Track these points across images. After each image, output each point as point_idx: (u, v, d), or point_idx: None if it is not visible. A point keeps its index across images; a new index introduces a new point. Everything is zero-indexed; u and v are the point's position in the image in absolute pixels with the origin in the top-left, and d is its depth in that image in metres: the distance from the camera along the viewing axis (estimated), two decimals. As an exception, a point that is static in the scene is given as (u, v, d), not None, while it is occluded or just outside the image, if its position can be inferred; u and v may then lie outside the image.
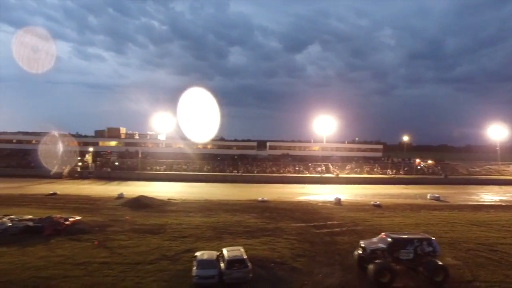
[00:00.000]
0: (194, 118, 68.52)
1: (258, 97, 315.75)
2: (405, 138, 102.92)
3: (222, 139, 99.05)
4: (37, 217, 28.89)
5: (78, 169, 64.04)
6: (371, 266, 18.35)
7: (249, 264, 18.33)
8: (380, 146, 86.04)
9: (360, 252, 20.20)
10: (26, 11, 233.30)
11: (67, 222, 27.77)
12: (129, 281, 17.89)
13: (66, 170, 62.71)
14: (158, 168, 66.44)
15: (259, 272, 18.95)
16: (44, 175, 61.40)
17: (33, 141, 75.84)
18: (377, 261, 18.68)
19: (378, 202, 43.02)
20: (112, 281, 17.90)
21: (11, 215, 29.56)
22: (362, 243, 20.49)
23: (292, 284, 18.12)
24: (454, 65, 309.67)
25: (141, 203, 38.32)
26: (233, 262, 18.24)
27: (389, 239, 19.69)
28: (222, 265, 18.43)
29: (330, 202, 43.83)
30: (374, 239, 21.01)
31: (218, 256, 19.55)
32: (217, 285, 17.49)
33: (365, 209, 39.98)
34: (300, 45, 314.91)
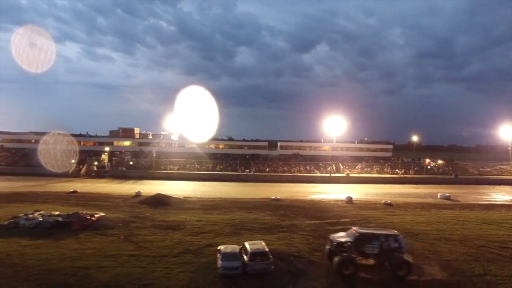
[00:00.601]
0: (200, 117, 69.48)
1: (266, 97, 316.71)
2: (415, 138, 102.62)
3: (230, 139, 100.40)
4: (64, 213, 30.57)
5: (95, 168, 65.94)
6: (335, 258, 19.52)
7: (270, 256, 19.57)
8: (390, 146, 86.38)
9: (328, 246, 21.31)
10: (37, 13, 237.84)
11: (93, 218, 29.29)
12: (158, 272, 19.21)
13: (83, 169, 64.70)
14: (171, 167, 68.09)
15: (279, 264, 20.13)
16: (62, 174, 63.54)
17: (51, 141, 78.15)
18: (342, 254, 19.80)
19: (389, 201, 43.79)
20: (142, 271, 19.24)
21: (41, 211, 31.24)
22: (331, 237, 21.60)
23: (311, 275, 19.23)
24: (465, 64, 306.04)
25: (159, 201, 39.77)
26: (256, 255, 19.52)
27: (356, 234, 20.79)
28: (245, 257, 19.67)
29: (341, 200, 44.79)
30: (343, 233, 22.09)
31: (240, 249, 20.82)
32: (240, 276, 18.71)
33: (376, 208, 40.85)
34: (307, 45, 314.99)
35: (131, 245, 23.97)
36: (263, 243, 21.21)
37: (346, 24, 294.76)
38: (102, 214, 31.44)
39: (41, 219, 28.71)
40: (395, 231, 22.34)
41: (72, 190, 48.04)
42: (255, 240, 23.11)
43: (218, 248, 21.23)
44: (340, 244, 20.56)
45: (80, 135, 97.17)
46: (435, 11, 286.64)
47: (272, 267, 19.24)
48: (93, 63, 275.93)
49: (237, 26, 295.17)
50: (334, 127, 79.56)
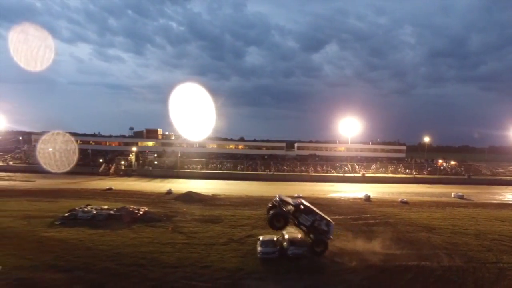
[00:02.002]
0: (211, 117, 71.42)
1: (275, 97, 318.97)
2: (426, 139, 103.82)
3: (241, 139, 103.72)
4: (112, 208, 34.13)
5: (123, 167, 69.86)
6: (271, 211, 23.31)
7: (306, 243, 22.83)
8: (404, 147, 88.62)
9: (272, 203, 25.01)
10: (51, 15, 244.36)
11: (140, 212, 32.83)
12: (213, 256, 22.48)
13: (112, 168, 68.71)
14: (194, 166, 71.63)
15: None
16: (92, 172, 67.67)
17: (78, 142, 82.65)
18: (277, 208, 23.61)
19: (405, 199, 46.33)
20: (199, 256, 22.51)
21: (91, 205, 34.85)
22: (278, 196, 25.30)
23: (346, 258, 22.35)
24: (478, 63, 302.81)
25: (191, 198, 43.14)
26: (294, 242, 22.95)
27: (299, 203, 24.04)
28: (285, 244, 22.96)
29: (360, 198, 47.53)
30: (291, 199, 25.36)
31: (278, 238, 24.08)
32: (276, 260, 21.96)
33: (393, 205, 43.49)
34: (317, 45, 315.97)
35: (180, 235, 27.27)
36: (299, 234, 24.42)
37: (357, 23, 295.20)
38: (146, 209, 34.97)
39: (95, 212, 32.31)
40: (330, 219, 24.79)
41: (107, 187, 51.77)
42: (290, 231, 26.29)
43: (258, 237, 24.56)
44: (282, 201, 24.18)
45: (94, 135, 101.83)
46: (448, 9, 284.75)
47: (307, 253, 22.45)
48: (105, 64, 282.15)
49: (247, 26, 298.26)
50: (347, 127, 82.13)
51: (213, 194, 47.37)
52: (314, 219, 23.25)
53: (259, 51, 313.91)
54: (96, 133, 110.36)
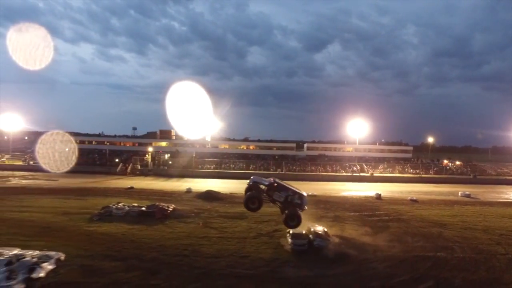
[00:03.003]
0: (210, 117, 72.57)
1: (278, 97, 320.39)
2: (430, 139, 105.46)
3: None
4: (142, 205, 36.46)
5: (139, 167, 72.34)
6: (246, 194, 25.12)
7: (331, 236, 25.38)
8: (410, 148, 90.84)
9: (248, 185, 26.72)
10: (53, 15, 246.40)
11: (170, 209, 35.22)
12: (248, 248, 24.82)
13: (129, 167, 71.22)
14: (208, 166, 74.03)
15: (339, 242, 25.63)
16: (109, 171, 70.23)
17: (94, 142, 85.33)
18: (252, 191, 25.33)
19: (415, 198, 48.57)
20: (235, 248, 24.83)
21: (121, 202, 37.18)
22: (252, 177, 27.05)
23: (368, 250, 24.65)
24: (482, 63, 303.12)
25: (212, 196, 45.49)
26: (319, 235, 25.38)
27: (272, 181, 26.03)
28: (311, 236, 25.33)
29: (371, 197, 49.77)
30: (264, 179, 27.21)
31: (305, 231, 26.45)
32: (306, 251, 24.25)
33: (404, 203, 45.68)
34: (320, 44, 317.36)
35: (213, 230, 29.58)
36: (324, 228, 26.81)
37: (360, 23, 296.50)
38: (174, 206, 37.33)
39: (128, 209, 34.65)
40: (304, 192, 27.06)
41: (129, 186, 54.14)
42: (314, 225, 28.63)
43: (287, 231, 26.82)
44: (256, 183, 26.07)
45: (99, 135, 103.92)
46: (452, 8, 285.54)
47: (331, 244, 24.86)
48: (107, 64, 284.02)
49: (249, 26, 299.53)
50: (353, 128, 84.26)
51: (230, 193, 49.63)
52: (287, 195, 25.26)
53: (261, 51, 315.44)
54: (100, 133, 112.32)
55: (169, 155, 78.59)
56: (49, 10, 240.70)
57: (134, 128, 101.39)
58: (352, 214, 37.50)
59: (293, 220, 24.62)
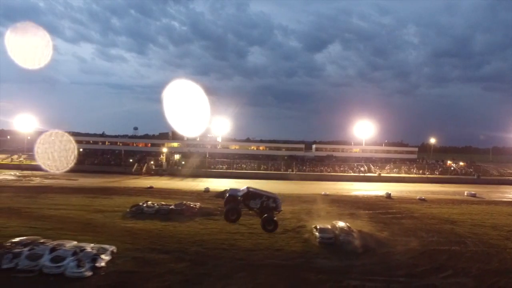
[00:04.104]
0: (213, 117, 73.40)
1: (278, 97, 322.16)
2: (432, 140, 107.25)
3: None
4: (169, 203, 38.67)
5: (153, 167, 74.60)
6: (226, 207, 25.23)
7: (354, 230, 27.75)
8: (416, 149, 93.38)
9: (226, 198, 26.37)
10: (54, 14, 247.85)
11: (197, 207, 37.49)
12: (280, 242, 27.15)
13: (144, 168, 73.48)
14: (220, 166, 76.34)
15: (361, 237, 27.98)
16: (124, 171, 72.47)
17: (107, 142, 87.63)
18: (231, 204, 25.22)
19: (423, 197, 50.89)
20: (268, 242, 27.04)
21: (149, 201, 39.35)
22: (228, 190, 27.04)
23: (388, 244, 27.01)
24: (483, 63, 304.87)
25: (231, 195, 47.66)
26: (344, 229, 27.82)
27: (246, 190, 25.77)
28: (336, 231, 27.73)
29: (381, 196, 52.10)
30: (239, 190, 26.91)
31: (330, 227, 28.81)
32: (333, 244, 26.66)
33: (413, 202, 48.01)
34: (320, 44, 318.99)
35: (241, 227, 31.73)
36: (347, 223, 29.21)
37: (360, 23, 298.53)
38: (199, 204, 39.56)
39: (157, 207, 36.88)
40: (276, 194, 26.70)
41: (148, 186, 56.29)
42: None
43: (314, 226, 29.20)
44: (232, 195, 25.97)
45: (101, 135, 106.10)
46: (452, 8, 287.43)
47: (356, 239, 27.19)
48: (107, 64, 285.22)
49: (249, 26, 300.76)
50: (360, 129, 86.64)
51: (247, 192, 51.85)
52: (261, 201, 25.40)
53: (262, 51, 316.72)
54: (101, 133, 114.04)
55: (179, 155, 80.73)
56: (50, 10, 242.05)
57: (135, 128, 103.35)
58: (366, 212, 39.80)
59: (270, 224, 24.84)
